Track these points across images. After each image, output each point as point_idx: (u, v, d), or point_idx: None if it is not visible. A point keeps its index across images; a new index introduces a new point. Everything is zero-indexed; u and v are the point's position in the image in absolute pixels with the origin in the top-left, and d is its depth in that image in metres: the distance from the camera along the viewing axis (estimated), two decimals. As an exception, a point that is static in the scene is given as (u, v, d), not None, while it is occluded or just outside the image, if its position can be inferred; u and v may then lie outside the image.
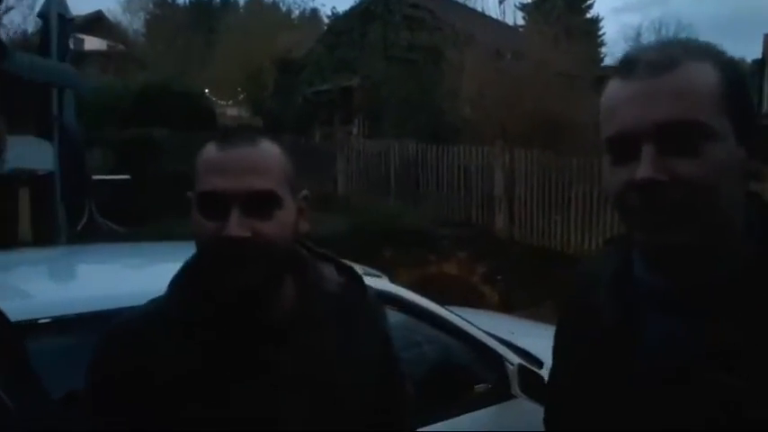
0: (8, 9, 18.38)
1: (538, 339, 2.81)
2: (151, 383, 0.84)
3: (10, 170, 5.50)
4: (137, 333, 0.89)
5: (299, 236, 0.92)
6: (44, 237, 4.95)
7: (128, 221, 6.68)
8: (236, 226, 0.80)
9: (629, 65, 0.73)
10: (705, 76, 0.69)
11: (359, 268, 2.17)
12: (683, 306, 0.73)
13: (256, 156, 0.85)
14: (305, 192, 0.94)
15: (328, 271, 1.00)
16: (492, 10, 17.51)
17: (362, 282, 1.03)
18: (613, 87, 0.75)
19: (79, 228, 6.13)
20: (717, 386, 0.67)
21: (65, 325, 1.41)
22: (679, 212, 0.67)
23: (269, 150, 0.87)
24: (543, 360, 2.24)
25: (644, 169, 0.66)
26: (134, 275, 2.00)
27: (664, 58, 0.69)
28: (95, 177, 6.97)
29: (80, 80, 5.27)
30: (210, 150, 0.86)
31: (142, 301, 1.46)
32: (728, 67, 0.71)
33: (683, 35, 31.42)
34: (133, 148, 9.63)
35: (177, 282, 0.93)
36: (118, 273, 2.10)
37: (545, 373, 2.14)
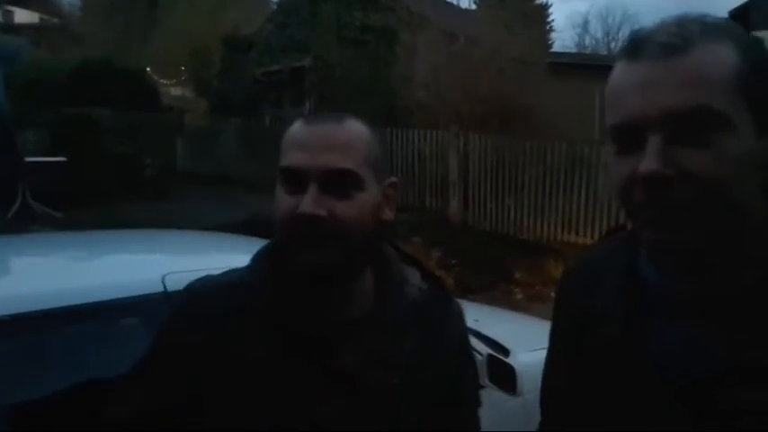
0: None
1: (503, 326, 2.78)
2: (215, 360, 0.83)
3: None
4: (213, 303, 0.87)
5: (383, 225, 0.88)
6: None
7: (65, 206, 6.29)
8: (312, 203, 0.78)
9: (637, 45, 0.64)
10: (722, 58, 0.61)
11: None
12: (699, 314, 0.65)
13: (339, 133, 0.83)
14: (393, 179, 0.92)
15: (412, 275, 0.95)
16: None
17: (447, 292, 0.99)
18: (619, 70, 0.66)
19: (11, 214, 5.73)
20: (738, 403, 0.60)
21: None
22: (687, 211, 0.60)
23: (355, 129, 0.86)
24: (510, 348, 2.20)
25: (648, 162, 0.59)
26: (78, 269, 1.81)
27: (676, 37, 0.61)
28: (28, 159, 6.51)
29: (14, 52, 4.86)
30: (297, 126, 0.85)
31: (89, 298, 1.30)
32: (751, 48, 0.63)
33: (627, 25, 32.43)
34: (70, 128, 9.10)
35: (262, 255, 0.90)
36: (59, 266, 1.89)
37: (511, 360, 2.10)
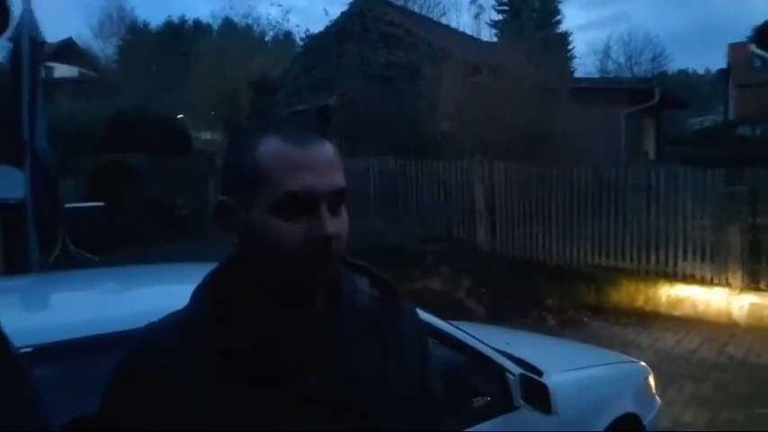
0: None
1: (534, 348, 2.78)
2: (177, 402, 0.81)
3: (-20, 199, 5.33)
4: (165, 345, 0.85)
5: None
6: (16, 268, 4.77)
7: (103, 249, 6.51)
8: (330, 224, 0.80)
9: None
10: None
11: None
12: None
13: (330, 151, 0.85)
14: None
15: (361, 282, 0.93)
16: (467, 26, 17.76)
17: (399, 296, 0.96)
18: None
19: (52, 259, 5.94)
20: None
21: (40, 354, 1.32)
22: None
23: (331, 146, 0.87)
24: (542, 369, 2.20)
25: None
26: (112, 300, 1.91)
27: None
28: (68, 206, 6.78)
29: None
30: (284, 149, 0.81)
31: (123, 325, 1.37)
32: None
33: (649, 48, 32.23)
34: (107, 175, 9.46)
35: (204, 292, 0.88)
36: (94, 298, 2.00)
37: (545, 380, 2.10)
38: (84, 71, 25.88)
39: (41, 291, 2.17)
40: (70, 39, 29.17)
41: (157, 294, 1.97)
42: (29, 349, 1.26)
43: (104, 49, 33.26)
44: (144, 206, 8.85)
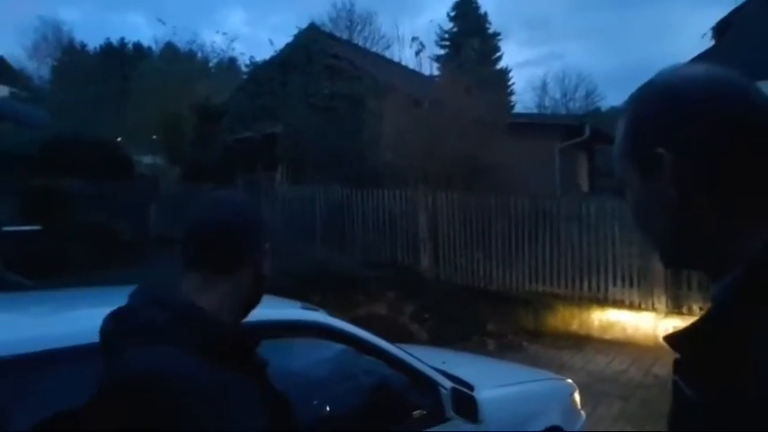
0: None
1: (468, 367, 2.94)
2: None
3: None
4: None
5: None
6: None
7: (39, 274, 6.28)
8: None
9: None
10: None
11: (297, 304, 2.22)
12: None
13: None
14: None
15: None
16: (410, 60, 18.29)
17: None
18: None
19: (-17, 283, 5.70)
20: None
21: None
22: None
23: None
24: (473, 384, 2.36)
25: None
26: (40, 320, 1.94)
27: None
28: (4, 229, 6.54)
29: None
30: None
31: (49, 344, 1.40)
32: None
33: (583, 85, 34.02)
34: (43, 198, 9.12)
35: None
36: (22, 318, 2.02)
37: (476, 394, 2.26)
38: (15, 90, 24.89)
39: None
40: (1, 57, 28.08)
41: (83, 317, 2.00)
42: None
43: (39, 70, 32.17)
44: (82, 231, 8.57)
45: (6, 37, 61.66)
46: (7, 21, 50.90)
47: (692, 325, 0.70)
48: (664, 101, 0.73)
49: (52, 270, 6.26)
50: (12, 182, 9.21)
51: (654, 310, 7.17)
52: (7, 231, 6.65)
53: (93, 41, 39.72)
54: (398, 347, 2.17)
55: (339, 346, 1.91)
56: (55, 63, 32.93)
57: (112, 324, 0.99)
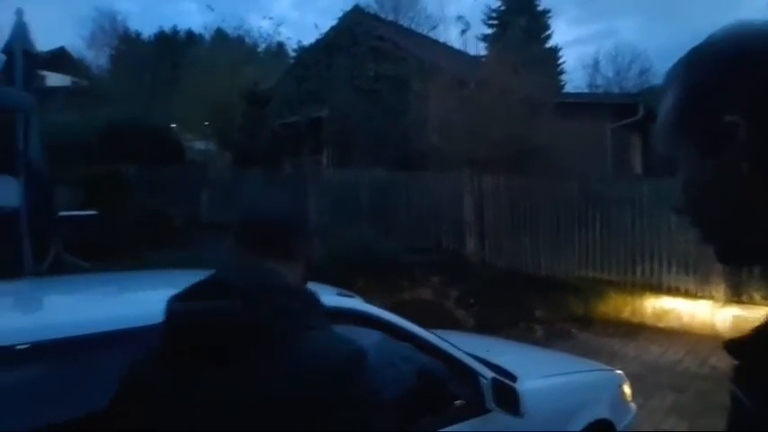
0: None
1: (512, 356, 2.87)
2: None
3: (-27, 208, 5.37)
4: None
5: None
6: (9, 275, 4.81)
7: (95, 257, 6.55)
8: None
9: None
10: None
11: (333, 290, 2.20)
12: None
13: None
14: None
15: None
16: (455, 41, 17.96)
17: None
18: None
19: (45, 266, 5.98)
20: None
21: (23, 353, 1.39)
22: None
23: None
24: (516, 374, 2.29)
25: None
26: (101, 303, 2.00)
27: None
28: (62, 214, 6.84)
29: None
30: None
31: (111, 326, 1.45)
32: None
33: (637, 63, 32.71)
34: (100, 184, 9.51)
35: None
36: (86, 301, 2.08)
37: (519, 385, 2.19)
38: (76, 80, 25.90)
39: (35, 293, 2.25)
40: (62, 48, 29.21)
41: (145, 299, 2.05)
42: (24, 346, 1.34)
43: (97, 59, 33.31)
44: (136, 215, 8.90)
45: (66, 28, 64.24)
46: (67, 12, 52.96)
47: (758, 330, 0.62)
48: (732, 61, 0.63)
49: (107, 253, 6.52)
50: (72, 169, 9.63)
51: (711, 297, 6.86)
52: (65, 216, 6.94)
53: (148, 30, 40.74)
54: (437, 335, 2.13)
55: (376, 334, 1.88)
56: (112, 52, 34.03)
57: (247, 315, 0.98)
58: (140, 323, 1.49)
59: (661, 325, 7.03)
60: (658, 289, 7.22)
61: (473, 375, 2.03)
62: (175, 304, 1.03)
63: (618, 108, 11.79)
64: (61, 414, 1.42)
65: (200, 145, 20.49)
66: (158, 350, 1.04)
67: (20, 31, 4.71)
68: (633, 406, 2.98)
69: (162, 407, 0.98)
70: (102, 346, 1.49)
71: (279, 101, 13.60)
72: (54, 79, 24.60)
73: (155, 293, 2.13)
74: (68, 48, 30.39)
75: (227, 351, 0.95)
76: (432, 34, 18.76)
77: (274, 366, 0.93)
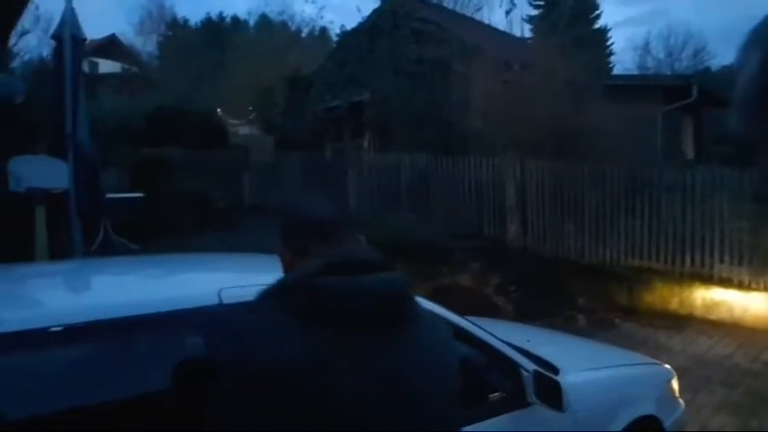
0: (24, 33, 18.81)
1: (555, 347, 2.79)
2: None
3: (26, 189, 5.58)
4: None
5: None
6: (60, 255, 4.99)
7: (142, 238, 6.74)
8: None
9: None
10: None
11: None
12: None
13: None
14: None
15: None
16: (499, 23, 17.56)
17: None
18: None
19: (94, 247, 6.19)
20: None
21: (76, 333, 1.41)
22: None
23: None
24: (559, 366, 2.21)
25: None
26: (146, 285, 2.01)
27: None
28: (110, 196, 7.05)
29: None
30: None
31: (155, 308, 1.47)
32: None
33: (691, 43, 31.21)
34: (147, 167, 9.75)
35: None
36: (130, 282, 2.11)
37: (561, 378, 2.12)
38: (126, 67, 26.58)
39: (87, 274, 2.30)
40: (113, 35, 30.01)
41: (195, 280, 2.07)
42: (81, 324, 1.36)
43: (145, 46, 34.13)
44: (181, 197, 9.10)
45: (116, 16, 65.90)
46: (118, 0, 54.30)
47: None
48: None
49: (151, 235, 6.69)
50: (120, 152, 9.91)
51: (766, 290, 6.54)
52: (113, 198, 7.15)
53: (195, 17, 41.50)
54: (477, 325, 2.07)
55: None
56: (160, 39, 34.81)
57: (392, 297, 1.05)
58: (190, 305, 1.52)
59: (711, 317, 6.75)
60: (709, 279, 6.92)
61: (514, 367, 1.97)
62: (333, 280, 0.99)
63: (670, 90, 11.31)
64: (112, 393, 1.44)
65: (244, 130, 20.80)
66: (318, 326, 0.97)
67: (69, 18, 4.81)
68: (681, 402, 2.86)
69: (344, 381, 0.96)
70: (157, 327, 1.51)
71: (321, 85, 13.62)
72: (105, 66, 25.33)
73: (206, 275, 2.15)
74: (119, 35, 31.20)
75: (408, 318, 1.04)
76: (476, 16, 18.39)
77: (428, 328, 1.07)
